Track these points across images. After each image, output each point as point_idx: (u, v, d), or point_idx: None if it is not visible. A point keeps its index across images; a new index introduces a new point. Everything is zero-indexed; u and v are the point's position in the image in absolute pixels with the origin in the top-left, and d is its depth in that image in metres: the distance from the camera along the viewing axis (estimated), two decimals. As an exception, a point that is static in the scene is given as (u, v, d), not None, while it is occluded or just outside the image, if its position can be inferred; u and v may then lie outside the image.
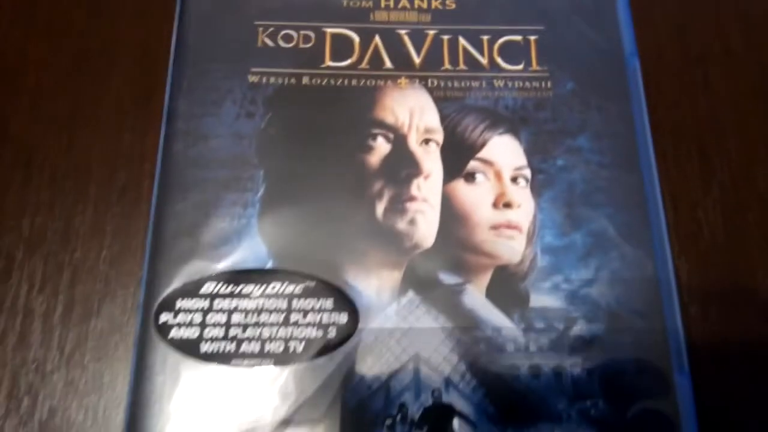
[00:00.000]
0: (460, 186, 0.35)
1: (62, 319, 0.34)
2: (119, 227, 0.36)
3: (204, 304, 0.32)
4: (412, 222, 0.34)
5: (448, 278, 0.34)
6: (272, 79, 0.37)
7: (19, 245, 0.36)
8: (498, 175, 0.35)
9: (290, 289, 0.33)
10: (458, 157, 0.36)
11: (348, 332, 0.32)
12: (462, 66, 0.38)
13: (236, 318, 0.32)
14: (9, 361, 0.33)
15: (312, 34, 0.38)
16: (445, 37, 0.38)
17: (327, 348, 0.32)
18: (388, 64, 0.38)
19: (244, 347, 0.32)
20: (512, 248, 0.34)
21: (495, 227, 0.35)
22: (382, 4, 0.39)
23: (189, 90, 0.37)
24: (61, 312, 0.34)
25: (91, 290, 0.35)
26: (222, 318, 0.32)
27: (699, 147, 0.38)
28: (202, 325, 0.32)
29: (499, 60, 0.38)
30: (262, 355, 0.32)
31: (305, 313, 0.33)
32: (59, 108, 0.38)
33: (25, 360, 0.34)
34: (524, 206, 0.35)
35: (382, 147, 0.36)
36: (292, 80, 0.37)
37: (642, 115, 0.37)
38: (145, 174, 0.37)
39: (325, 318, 0.32)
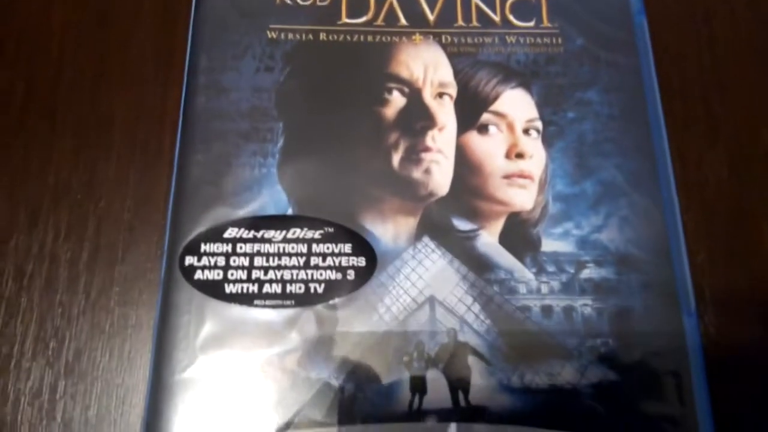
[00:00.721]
0: (473, 137, 0.36)
1: (87, 266, 0.35)
2: (143, 178, 0.37)
3: (227, 248, 0.34)
4: (427, 171, 0.35)
5: (462, 224, 0.35)
6: (290, 36, 0.38)
7: (45, 195, 0.36)
8: (510, 127, 0.36)
9: (310, 234, 0.34)
10: (471, 110, 0.37)
11: (366, 275, 0.33)
12: (475, 23, 0.39)
13: (258, 261, 0.33)
14: (36, 306, 0.35)
15: (328, -8, 0.39)
16: (459, -5, 0.39)
17: (346, 289, 0.33)
18: (403, 21, 0.39)
19: (267, 288, 0.33)
20: (524, 196, 0.35)
21: (508, 176, 0.36)
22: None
23: (210, 46, 0.38)
24: (87, 258, 0.35)
25: (115, 238, 0.36)
26: (245, 261, 0.33)
27: (704, 101, 0.39)
28: (226, 267, 0.33)
29: (510, 17, 0.39)
30: (283, 296, 0.33)
31: (324, 257, 0.34)
32: (83, 64, 0.39)
33: (51, 304, 0.35)
34: (536, 156, 0.36)
35: (397, 100, 0.37)
36: (310, 36, 0.38)
37: (649, 70, 0.38)
38: (167, 127, 0.38)
39: (344, 261, 0.34)
